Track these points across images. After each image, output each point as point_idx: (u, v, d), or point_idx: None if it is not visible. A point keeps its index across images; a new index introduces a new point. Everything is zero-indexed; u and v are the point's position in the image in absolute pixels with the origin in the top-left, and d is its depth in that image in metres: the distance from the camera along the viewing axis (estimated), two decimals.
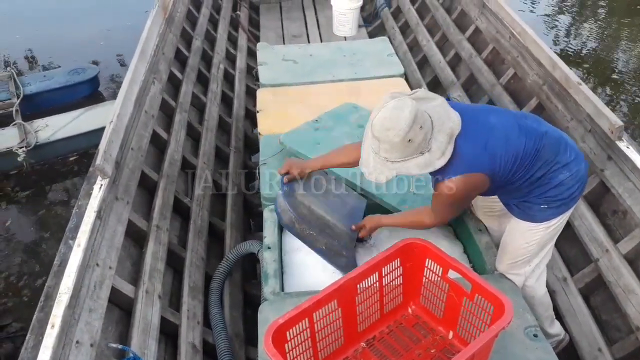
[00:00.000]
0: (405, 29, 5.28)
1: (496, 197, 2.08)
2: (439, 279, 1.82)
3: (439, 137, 1.69)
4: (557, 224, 1.95)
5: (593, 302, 2.53)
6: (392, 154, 1.69)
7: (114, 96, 5.34)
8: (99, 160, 2.27)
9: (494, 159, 1.75)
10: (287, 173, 2.21)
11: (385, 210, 2.38)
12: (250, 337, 2.57)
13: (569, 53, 6.30)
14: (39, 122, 4.52)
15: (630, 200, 2.42)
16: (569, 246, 2.71)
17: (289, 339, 1.60)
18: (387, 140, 1.66)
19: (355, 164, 2.08)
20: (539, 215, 1.92)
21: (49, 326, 1.67)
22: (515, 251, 2.03)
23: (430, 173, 1.78)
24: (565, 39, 6.71)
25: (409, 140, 1.65)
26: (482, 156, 1.74)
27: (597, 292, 2.52)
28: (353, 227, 2.19)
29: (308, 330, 1.65)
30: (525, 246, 2.00)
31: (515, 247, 2.02)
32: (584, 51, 6.42)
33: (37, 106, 4.94)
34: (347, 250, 2.17)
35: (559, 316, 2.42)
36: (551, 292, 2.46)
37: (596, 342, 2.33)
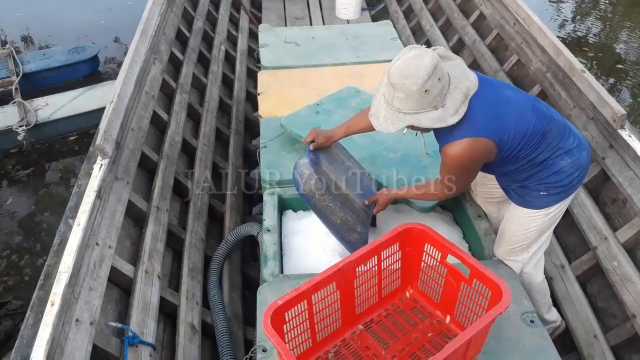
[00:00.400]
0: (408, 13, 5.24)
1: (495, 182, 2.08)
2: (437, 263, 1.82)
3: (455, 94, 1.66)
4: (555, 211, 1.95)
5: (590, 289, 2.54)
6: (406, 104, 1.64)
7: (114, 76, 5.32)
8: (99, 140, 2.27)
9: (505, 129, 1.72)
10: (312, 142, 2.18)
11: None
12: (249, 318, 2.59)
13: (574, 40, 6.25)
14: (38, 101, 4.50)
15: (631, 189, 2.42)
16: (568, 234, 2.72)
17: (287, 320, 1.61)
18: (404, 88, 1.61)
19: (371, 129, 2.06)
20: (538, 202, 1.92)
21: (48, 304, 1.68)
22: (514, 237, 2.03)
23: (438, 136, 1.77)
24: (571, 26, 6.65)
25: (426, 91, 1.60)
26: (494, 123, 1.71)
27: (594, 279, 2.54)
28: (366, 202, 2.18)
29: (307, 312, 1.66)
30: (524, 233, 2.00)
31: (514, 233, 2.03)
32: (589, 38, 6.37)
33: (37, 84, 4.91)
34: (362, 227, 2.15)
35: (555, 303, 2.44)
36: (549, 279, 2.48)
37: (592, 329, 2.35)
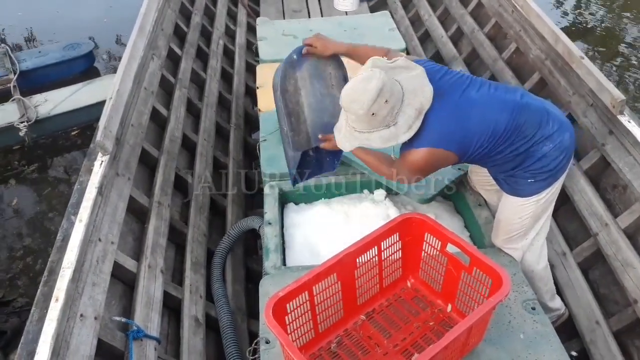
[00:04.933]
0: (406, 3, 5.21)
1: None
2: (437, 252, 1.83)
3: (408, 110, 1.69)
4: (547, 196, 1.94)
5: (592, 275, 2.55)
6: (358, 124, 1.70)
7: (111, 71, 5.34)
8: (99, 136, 2.27)
9: (465, 139, 1.74)
10: (309, 45, 2.16)
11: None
12: (252, 311, 2.61)
13: (575, 27, 6.22)
14: (37, 97, 4.53)
15: (631, 175, 2.41)
16: (569, 221, 2.72)
17: (289, 311, 1.63)
18: (353, 111, 1.68)
19: None
20: (527, 190, 1.92)
21: (53, 300, 1.70)
22: (509, 226, 2.03)
23: None
24: (573, 13, 6.62)
25: (373, 114, 1.65)
26: (453, 134, 1.74)
27: (595, 266, 2.54)
28: (320, 136, 2.11)
29: (308, 303, 1.68)
30: (519, 221, 2.00)
31: (509, 222, 2.03)
32: (590, 25, 6.34)
33: (34, 82, 4.93)
34: (291, 149, 2.11)
35: (557, 290, 2.44)
36: (550, 267, 2.48)
37: (594, 315, 2.36)
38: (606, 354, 2.24)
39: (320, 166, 2.31)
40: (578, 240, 2.63)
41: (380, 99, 1.63)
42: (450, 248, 1.79)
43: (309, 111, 2.14)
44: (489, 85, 1.85)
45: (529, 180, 1.89)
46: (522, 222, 2.00)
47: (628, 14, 6.55)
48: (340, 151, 2.15)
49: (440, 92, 1.73)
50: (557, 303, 2.36)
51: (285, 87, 2.11)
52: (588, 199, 2.59)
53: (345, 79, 2.18)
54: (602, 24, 6.42)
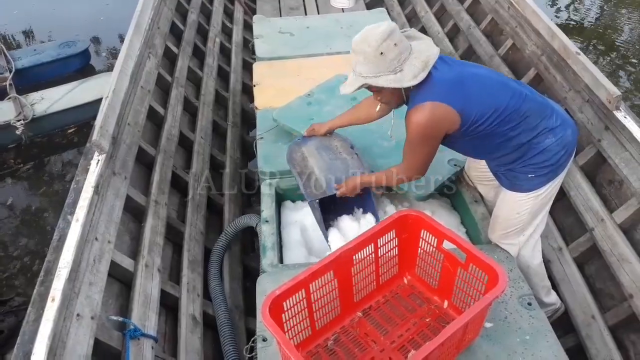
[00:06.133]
0: (403, 0, 5.21)
1: (487, 166, 2.09)
2: (434, 249, 1.83)
3: (415, 62, 1.73)
4: (546, 192, 1.95)
5: (587, 271, 2.56)
6: (365, 67, 1.73)
7: (107, 70, 5.33)
8: (95, 135, 2.27)
9: (467, 99, 1.76)
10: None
11: None
12: (250, 309, 2.61)
13: (571, 23, 6.21)
14: (34, 96, 4.52)
15: (627, 170, 2.42)
16: (565, 216, 2.73)
17: (286, 309, 1.63)
18: (362, 51, 1.72)
19: (367, 119, 2.22)
20: (527, 185, 1.93)
21: (49, 300, 1.70)
22: (507, 222, 2.04)
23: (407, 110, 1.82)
24: (568, 8, 6.61)
25: (381, 53, 1.69)
26: (455, 91, 1.76)
27: (591, 261, 2.55)
28: (335, 185, 2.23)
29: (305, 300, 1.68)
30: (517, 217, 2.01)
31: (507, 217, 2.03)
32: (586, 21, 6.33)
33: (29, 80, 4.94)
34: (307, 198, 2.24)
35: (554, 285, 2.45)
36: (546, 262, 2.49)
37: (590, 310, 2.36)
38: (602, 348, 2.25)
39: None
40: (574, 235, 2.64)
41: (390, 40, 1.69)
42: (447, 245, 1.79)
43: (319, 172, 2.31)
44: (497, 73, 1.94)
45: (529, 175, 1.90)
46: (520, 218, 2.01)
47: (623, 10, 6.56)
48: (367, 194, 2.27)
49: (447, 61, 1.81)
50: (552, 298, 2.37)
51: (293, 158, 2.39)
52: (584, 194, 2.60)
53: (352, 147, 2.42)
54: (598, 20, 6.42)
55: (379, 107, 2.08)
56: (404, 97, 1.84)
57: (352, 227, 2.27)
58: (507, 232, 2.06)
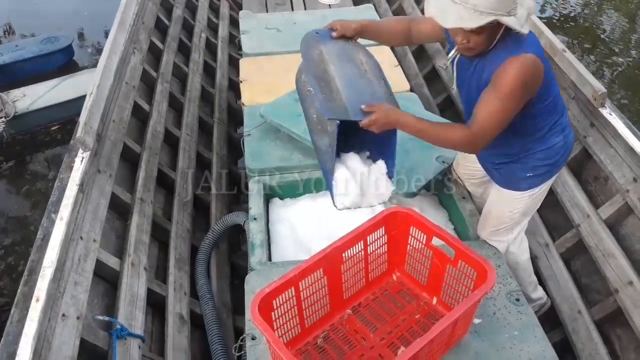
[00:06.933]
0: None
1: (476, 163, 2.09)
2: (422, 246, 1.83)
3: (521, 10, 1.55)
4: (540, 191, 1.96)
5: (574, 266, 2.59)
6: (485, 1, 1.49)
7: (91, 66, 5.25)
8: (79, 132, 2.23)
9: (548, 71, 1.68)
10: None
11: None
12: (238, 307, 2.60)
13: (556, 19, 6.27)
14: (15, 92, 4.44)
15: (612, 167, 2.45)
16: (551, 212, 2.75)
17: (275, 307, 1.62)
18: None
19: (397, 41, 1.99)
20: (524, 184, 1.93)
21: (33, 300, 1.66)
22: (499, 219, 2.05)
23: (492, 57, 1.63)
24: (554, 4, 6.67)
25: None
26: (545, 58, 1.65)
27: (577, 256, 2.58)
28: (363, 106, 1.73)
29: (294, 298, 1.67)
30: (509, 214, 2.01)
31: (499, 215, 2.04)
32: (571, 16, 6.40)
33: (11, 76, 4.85)
34: (327, 112, 1.69)
35: (540, 280, 2.47)
36: (533, 258, 2.51)
37: (576, 304, 2.39)
38: (588, 342, 2.27)
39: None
40: (560, 231, 2.67)
41: None
42: (436, 241, 1.79)
43: (341, 84, 1.76)
44: None
45: (528, 174, 1.90)
46: (512, 216, 2.01)
47: (608, 4, 6.64)
48: (392, 137, 1.81)
49: None
50: (539, 293, 2.39)
51: (310, 54, 1.82)
52: (570, 190, 2.62)
53: (379, 68, 1.91)
54: (583, 15, 6.49)
55: (413, 33, 1.88)
56: (489, 46, 1.63)
57: (360, 175, 1.85)
58: (498, 229, 2.07)
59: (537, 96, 1.69)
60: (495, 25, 1.54)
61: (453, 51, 1.78)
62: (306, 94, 1.81)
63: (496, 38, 1.61)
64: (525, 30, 1.55)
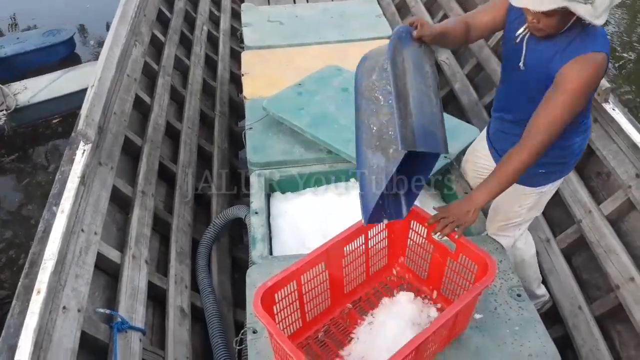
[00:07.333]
0: None
1: (485, 162, 2.08)
2: (423, 240, 1.83)
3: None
4: (549, 190, 1.97)
5: (575, 262, 2.58)
6: None
7: (93, 58, 5.24)
8: (81, 125, 2.23)
9: None
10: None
11: None
12: (238, 300, 2.60)
13: None
14: (17, 85, 4.43)
15: (614, 162, 2.44)
16: (553, 208, 2.74)
17: (277, 300, 1.61)
18: None
19: (460, 41, 1.85)
20: (536, 180, 1.93)
21: (34, 292, 1.67)
22: (508, 214, 2.04)
23: (563, 49, 1.57)
24: None
25: None
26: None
27: (579, 252, 2.57)
28: (436, 211, 1.71)
29: (296, 292, 1.67)
30: (518, 210, 2.01)
31: (509, 209, 2.04)
32: None
33: (13, 69, 4.84)
34: (400, 144, 1.44)
35: (542, 276, 2.47)
36: None
37: (577, 300, 2.39)
38: (588, 338, 2.28)
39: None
40: (562, 226, 2.66)
41: None
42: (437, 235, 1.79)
43: (414, 105, 1.52)
44: None
45: (541, 171, 1.89)
46: (520, 211, 2.01)
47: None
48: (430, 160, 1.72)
49: None
50: (543, 290, 2.39)
51: (395, 62, 1.54)
52: (572, 186, 2.62)
53: (438, 86, 1.68)
54: None
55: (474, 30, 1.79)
56: (559, 30, 1.57)
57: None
58: (506, 224, 2.06)
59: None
60: (568, 11, 1.46)
61: (522, 28, 1.70)
62: (370, 97, 1.58)
63: (568, 23, 1.54)
64: (600, 22, 1.45)
